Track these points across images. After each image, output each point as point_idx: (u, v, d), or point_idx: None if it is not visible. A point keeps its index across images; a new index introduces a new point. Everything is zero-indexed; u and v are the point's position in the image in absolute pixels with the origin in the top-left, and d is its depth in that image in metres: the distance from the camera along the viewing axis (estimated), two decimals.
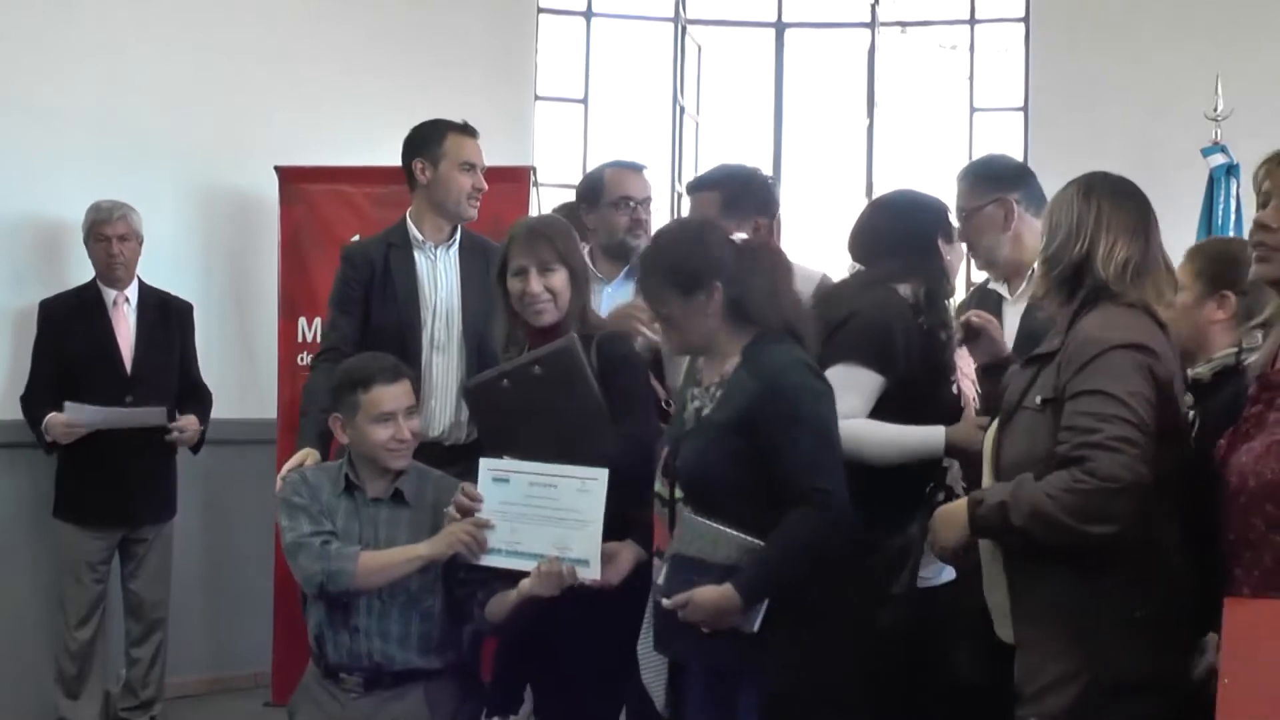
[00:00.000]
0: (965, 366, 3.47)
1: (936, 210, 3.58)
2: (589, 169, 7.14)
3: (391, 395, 3.52)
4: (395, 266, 4.18)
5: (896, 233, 3.48)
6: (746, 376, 3.01)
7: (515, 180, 5.84)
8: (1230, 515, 2.42)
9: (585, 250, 4.31)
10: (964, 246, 3.68)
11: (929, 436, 3.28)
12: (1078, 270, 2.67)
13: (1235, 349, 2.89)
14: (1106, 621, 2.52)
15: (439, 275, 4.22)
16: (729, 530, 2.91)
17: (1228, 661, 2.26)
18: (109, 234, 5.24)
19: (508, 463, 3.34)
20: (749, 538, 2.90)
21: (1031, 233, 3.67)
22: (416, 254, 4.22)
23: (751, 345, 3.06)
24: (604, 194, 4.37)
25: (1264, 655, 2.24)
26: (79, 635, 5.16)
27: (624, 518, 3.26)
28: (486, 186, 4.29)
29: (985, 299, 3.77)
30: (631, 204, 4.33)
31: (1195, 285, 3.01)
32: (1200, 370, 2.93)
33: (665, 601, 2.94)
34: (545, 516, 3.27)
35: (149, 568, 5.27)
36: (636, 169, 4.49)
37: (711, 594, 2.87)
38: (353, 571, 3.39)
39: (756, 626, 2.89)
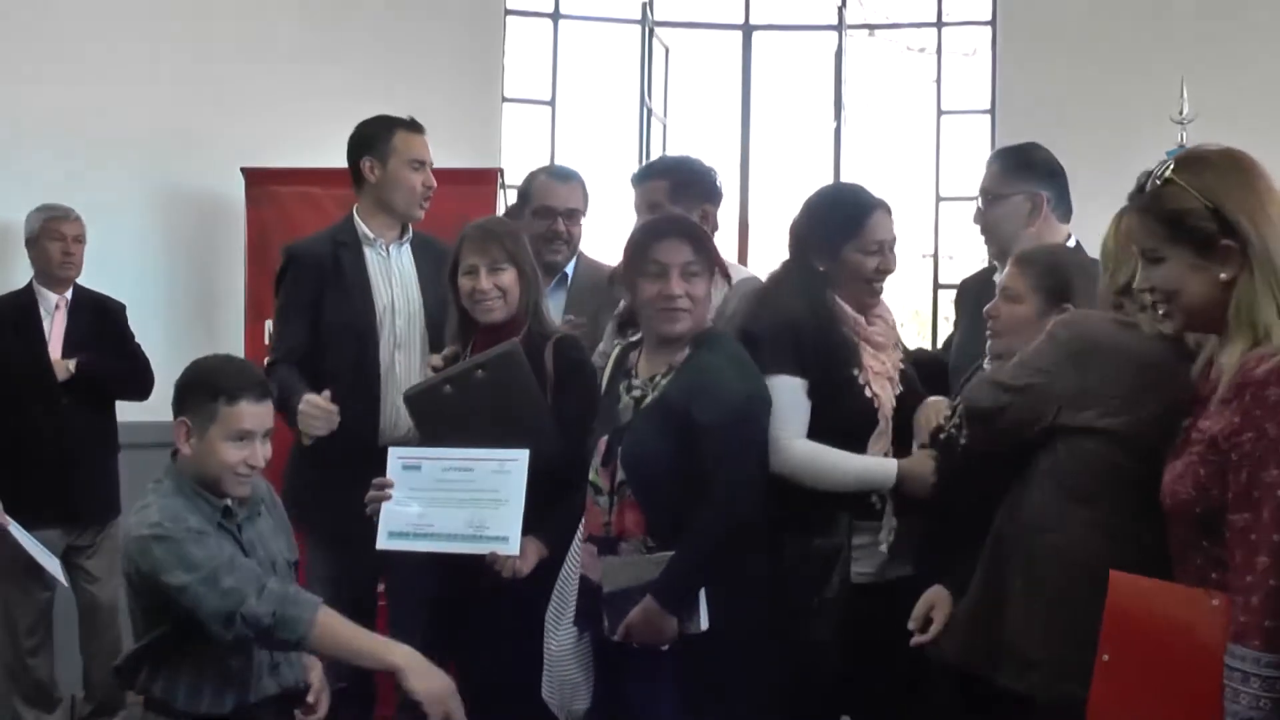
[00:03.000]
0: (887, 367, 3.42)
1: (831, 203, 3.53)
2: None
3: (255, 414, 3.04)
4: (346, 265, 4.13)
5: (801, 234, 3.49)
6: (733, 375, 3.13)
7: (482, 182, 5.84)
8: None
9: None
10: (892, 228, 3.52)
11: (883, 468, 3.29)
12: None
13: None
14: None
15: (394, 273, 4.18)
16: (641, 556, 3.10)
17: (1108, 637, 2.32)
18: (67, 233, 5.21)
19: (418, 450, 3.40)
20: (661, 553, 3.07)
21: (1053, 234, 3.67)
22: (368, 251, 4.17)
23: (702, 339, 3.24)
24: (530, 201, 4.42)
25: (1143, 632, 2.30)
26: (29, 642, 5.11)
27: (541, 512, 3.36)
28: (435, 184, 4.25)
29: (986, 290, 3.62)
30: (554, 214, 4.35)
31: (1035, 298, 3.08)
32: None
33: (615, 637, 3.13)
34: (459, 499, 3.32)
35: (99, 569, 5.22)
36: (564, 177, 4.48)
37: (637, 613, 3.06)
38: (310, 621, 2.84)
39: (705, 625, 3.05)
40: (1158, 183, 2.41)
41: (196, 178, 6.04)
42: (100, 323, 5.31)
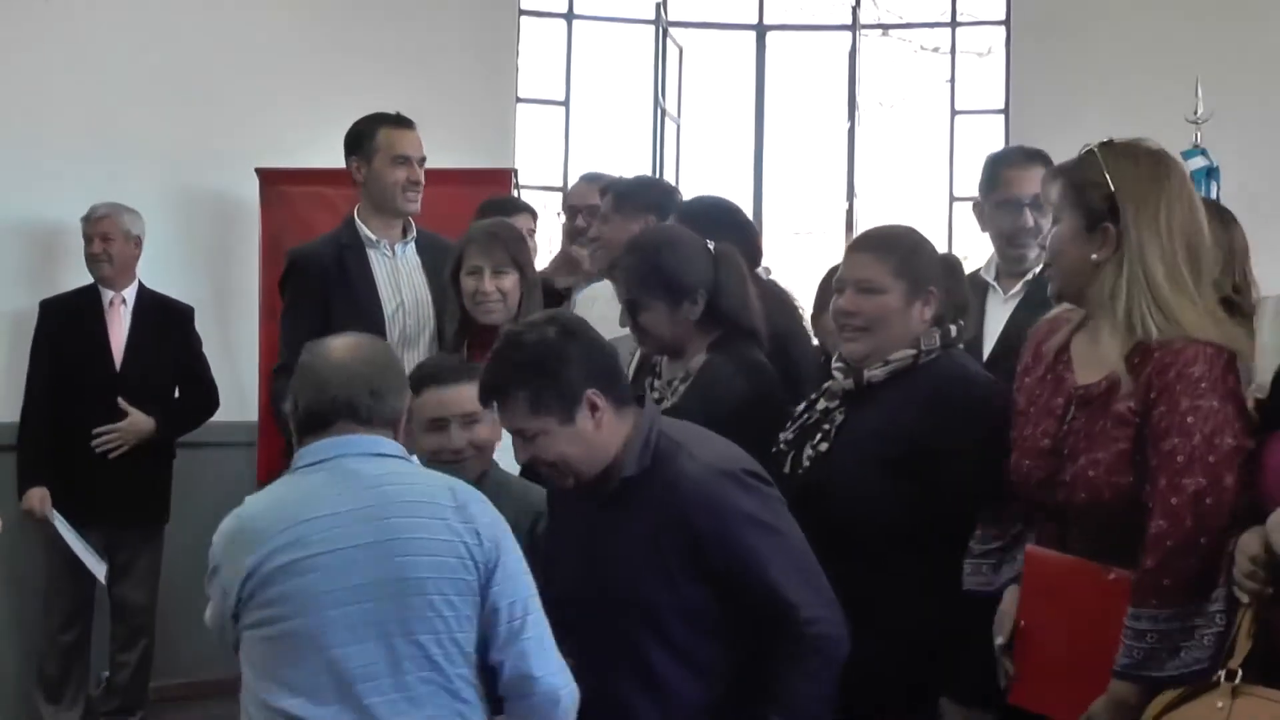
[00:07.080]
0: None
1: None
2: (570, 171, 7.19)
3: (441, 401, 3.10)
4: (351, 267, 4.13)
5: None
6: (735, 378, 3.09)
7: (496, 183, 5.86)
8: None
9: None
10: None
11: None
12: None
13: (914, 351, 2.85)
14: None
15: (400, 271, 4.18)
16: None
17: (1025, 605, 2.56)
18: (90, 232, 5.30)
19: None
20: None
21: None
22: (371, 253, 4.17)
23: (720, 343, 3.19)
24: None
25: (1055, 603, 2.51)
26: (64, 638, 5.16)
27: None
28: (422, 178, 4.23)
29: (973, 285, 3.48)
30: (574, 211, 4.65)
31: (900, 285, 2.85)
32: (875, 371, 2.86)
33: None
34: None
35: (137, 572, 5.26)
36: (588, 180, 4.75)
37: None
38: None
39: None
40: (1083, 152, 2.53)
41: (211, 178, 6.06)
42: (163, 325, 5.40)
